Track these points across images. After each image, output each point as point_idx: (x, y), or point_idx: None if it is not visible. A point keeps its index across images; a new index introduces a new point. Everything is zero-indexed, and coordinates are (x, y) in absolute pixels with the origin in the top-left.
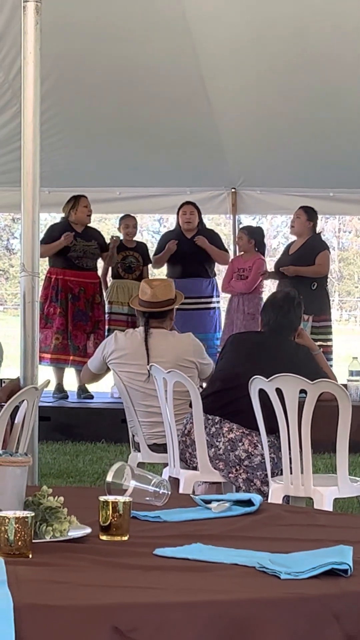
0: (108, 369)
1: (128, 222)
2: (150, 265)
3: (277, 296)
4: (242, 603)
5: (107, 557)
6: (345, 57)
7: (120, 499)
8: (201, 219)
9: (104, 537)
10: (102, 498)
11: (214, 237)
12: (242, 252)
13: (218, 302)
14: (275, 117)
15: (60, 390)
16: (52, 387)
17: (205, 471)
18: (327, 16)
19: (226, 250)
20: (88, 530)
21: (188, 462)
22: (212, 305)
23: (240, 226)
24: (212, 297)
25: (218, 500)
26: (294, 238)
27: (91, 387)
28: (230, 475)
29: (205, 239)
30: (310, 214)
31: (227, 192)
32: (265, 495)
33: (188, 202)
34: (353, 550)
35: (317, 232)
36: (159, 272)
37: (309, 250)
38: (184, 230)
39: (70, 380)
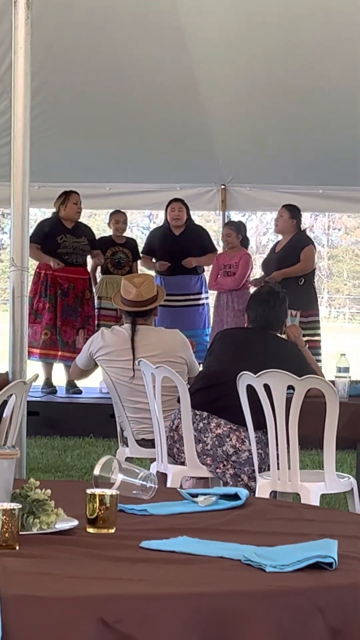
0: (96, 365)
1: (118, 218)
2: (139, 262)
3: (262, 291)
4: (227, 595)
5: (93, 550)
6: (336, 52)
7: (107, 491)
8: (189, 215)
9: (90, 530)
10: (89, 491)
11: (202, 235)
12: (229, 249)
13: (207, 298)
14: (265, 114)
15: (48, 385)
16: (40, 382)
17: (193, 466)
18: (317, 9)
19: (214, 249)
20: (75, 522)
21: (176, 457)
22: (200, 301)
23: (225, 222)
24: (200, 293)
25: (205, 494)
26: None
27: (80, 383)
28: (217, 470)
29: (192, 260)
30: (293, 211)
31: (216, 189)
32: (252, 490)
33: (176, 199)
34: (338, 544)
35: (301, 229)
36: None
37: (294, 248)
38: (172, 227)
39: (59, 375)
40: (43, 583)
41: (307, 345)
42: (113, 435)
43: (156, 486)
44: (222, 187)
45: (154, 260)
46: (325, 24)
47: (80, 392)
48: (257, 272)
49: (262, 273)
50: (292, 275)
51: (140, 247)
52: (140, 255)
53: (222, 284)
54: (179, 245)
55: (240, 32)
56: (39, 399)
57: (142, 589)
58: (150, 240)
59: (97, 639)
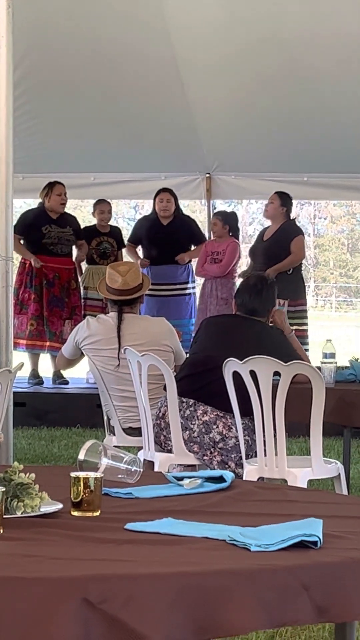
0: (82, 355)
1: (103, 208)
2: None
3: (251, 279)
4: (212, 574)
5: (78, 532)
6: (321, 41)
7: (92, 474)
8: (178, 205)
9: (75, 513)
10: (73, 474)
11: (190, 225)
12: (216, 237)
13: (194, 288)
14: (249, 102)
15: (35, 376)
16: (27, 373)
17: (180, 454)
18: (303, 2)
19: (203, 239)
20: (60, 506)
21: (163, 445)
22: (187, 291)
23: (215, 211)
24: (187, 283)
25: (190, 477)
26: (268, 224)
27: (66, 373)
28: (204, 457)
29: (184, 256)
30: (284, 199)
31: (201, 177)
32: (239, 477)
33: (165, 190)
34: (323, 523)
35: (291, 218)
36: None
37: (283, 236)
38: (160, 217)
39: (46, 366)
40: (27, 565)
41: (294, 333)
42: (100, 425)
43: (141, 470)
44: (207, 175)
45: (139, 249)
46: (312, 15)
47: (67, 382)
48: (244, 262)
49: (249, 261)
50: (286, 269)
51: (125, 236)
52: (127, 243)
53: (208, 271)
54: (166, 235)
55: (224, 23)
56: (25, 389)
57: (127, 569)
58: (137, 229)
59: (81, 619)
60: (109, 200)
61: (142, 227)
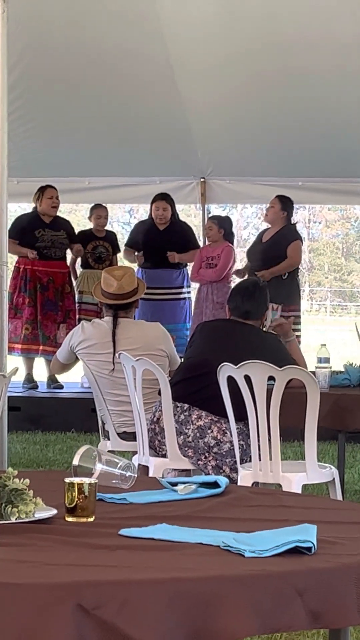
0: (77, 359)
1: (100, 213)
2: (120, 255)
3: (243, 283)
4: (206, 580)
5: (72, 538)
6: (316, 44)
7: (86, 480)
8: (174, 211)
9: (69, 519)
10: (67, 480)
11: (185, 231)
12: (211, 242)
13: (189, 292)
14: (244, 106)
15: (30, 380)
16: (21, 377)
17: (175, 458)
18: (298, 4)
19: (197, 246)
20: (54, 511)
21: (157, 449)
22: (182, 295)
23: (209, 216)
24: (182, 287)
25: (184, 483)
26: (264, 228)
27: (61, 377)
28: (199, 462)
29: (175, 254)
30: (284, 203)
31: (196, 182)
32: (234, 482)
33: (162, 197)
34: (317, 529)
35: (291, 222)
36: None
37: (281, 241)
38: (157, 223)
39: (40, 370)
40: (21, 570)
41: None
42: (95, 430)
43: (136, 475)
44: (202, 180)
45: (136, 253)
46: (307, 18)
47: (61, 387)
48: (239, 265)
49: (246, 262)
50: (280, 272)
51: (121, 240)
52: (123, 247)
53: (204, 276)
54: (162, 240)
55: (219, 26)
56: (20, 394)
57: (121, 575)
58: (134, 233)
59: (75, 625)
60: (105, 205)
61: (139, 230)
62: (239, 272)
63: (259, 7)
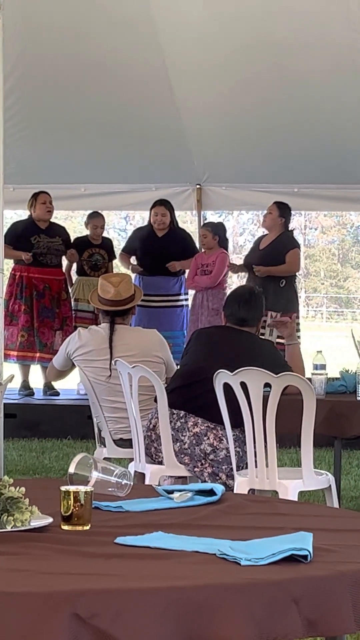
0: (73, 366)
1: (97, 223)
2: (115, 261)
3: (239, 290)
4: (201, 588)
5: (68, 546)
6: (310, 51)
7: (82, 488)
8: (173, 217)
9: (65, 527)
10: (63, 488)
11: (184, 238)
12: (206, 249)
13: (186, 300)
14: (239, 113)
15: (26, 387)
16: (18, 384)
17: (171, 466)
18: (293, 11)
19: (196, 252)
20: (50, 520)
21: (153, 456)
22: (179, 303)
23: (203, 223)
24: (179, 294)
25: (180, 491)
26: (261, 234)
27: (57, 384)
28: (195, 469)
29: (176, 263)
30: (282, 210)
31: (192, 188)
32: (230, 489)
33: (161, 203)
34: (313, 537)
35: (289, 229)
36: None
37: (279, 248)
38: (155, 229)
39: (36, 377)
40: (16, 579)
41: (299, 344)
42: (91, 437)
43: (132, 483)
44: (198, 186)
45: (132, 259)
46: (301, 25)
47: (57, 393)
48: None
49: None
50: (277, 274)
51: (117, 247)
52: (120, 252)
53: (198, 283)
54: (160, 247)
55: (214, 32)
56: (16, 401)
57: (117, 584)
58: (131, 239)
59: (71, 634)
60: (101, 212)
61: (137, 236)
62: (233, 267)
63: (255, 13)
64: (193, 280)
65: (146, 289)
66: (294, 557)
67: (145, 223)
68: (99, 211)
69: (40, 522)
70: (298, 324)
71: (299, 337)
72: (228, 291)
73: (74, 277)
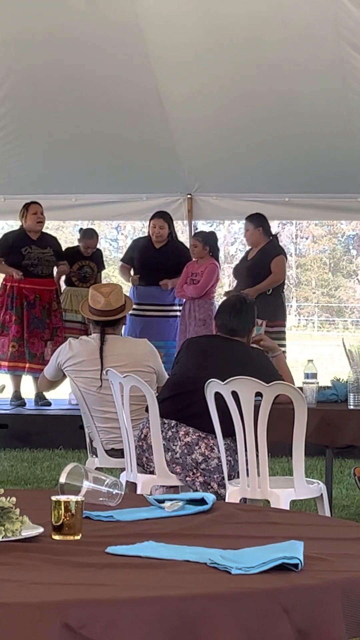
0: (65, 376)
1: (89, 244)
2: (105, 271)
3: (231, 299)
4: (192, 598)
5: (59, 556)
6: (298, 63)
7: (73, 498)
8: (172, 230)
9: (56, 537)
10: (54, 498)
11: (181, 253)
12: (197, 259)
13: (180, 310)
14: (230, 122)
15: (17, 397)
16: (9, 394)
17: (162, 475)
18: (280, 23)
19: None
20: (40, 530)
21: (145, 466)
22: (172, 312)
23: (194, 233)
24: (173, 304)
25: (171, 500)
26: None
27: (49, 394)
28: (187, 478)
29: (168, 282)
30: (255, 221)
31: (183, 198)
32: (222, 498)
33: (159, 215)
34: (304, 546)
35: (271, 235)
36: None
37: (264, 258)
38: (153, 241)
39: (28, 387)
40: (7, 590)
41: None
42: (83, 447)
43: (122, 493)
44: (189, 196)
45: (132, 275)
46: (289, 36)
47: (49, 404)
48: (224, 282)
49: (234, 280)
50: (265, 288)
51: (107, 257)
52: (120, 263)
53: (186, 292)
54: (156, 259)
55: (204, 45)
56: (7, 411)
57: (107, 594)
58: (130, 249)
59: None
60: (90, 220)
61: (135, 247)
62: (228, 294)
63: (243, 27)
64: (182, 289)
65: (140, 299)
66: (285, 566)
67: (137, 233)
68: (93, 228)
69: (31, 532)
70: (284, 332)
71: (284, 345)
72: (216, 302)
73: (63, 286)
